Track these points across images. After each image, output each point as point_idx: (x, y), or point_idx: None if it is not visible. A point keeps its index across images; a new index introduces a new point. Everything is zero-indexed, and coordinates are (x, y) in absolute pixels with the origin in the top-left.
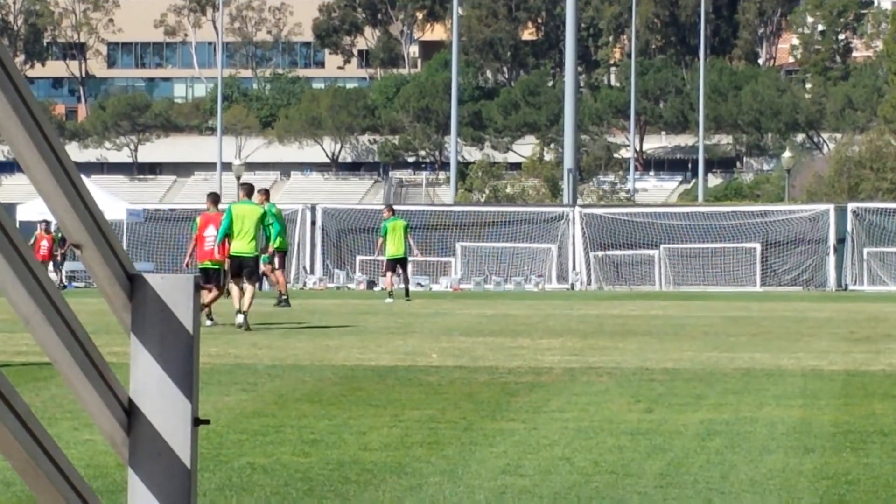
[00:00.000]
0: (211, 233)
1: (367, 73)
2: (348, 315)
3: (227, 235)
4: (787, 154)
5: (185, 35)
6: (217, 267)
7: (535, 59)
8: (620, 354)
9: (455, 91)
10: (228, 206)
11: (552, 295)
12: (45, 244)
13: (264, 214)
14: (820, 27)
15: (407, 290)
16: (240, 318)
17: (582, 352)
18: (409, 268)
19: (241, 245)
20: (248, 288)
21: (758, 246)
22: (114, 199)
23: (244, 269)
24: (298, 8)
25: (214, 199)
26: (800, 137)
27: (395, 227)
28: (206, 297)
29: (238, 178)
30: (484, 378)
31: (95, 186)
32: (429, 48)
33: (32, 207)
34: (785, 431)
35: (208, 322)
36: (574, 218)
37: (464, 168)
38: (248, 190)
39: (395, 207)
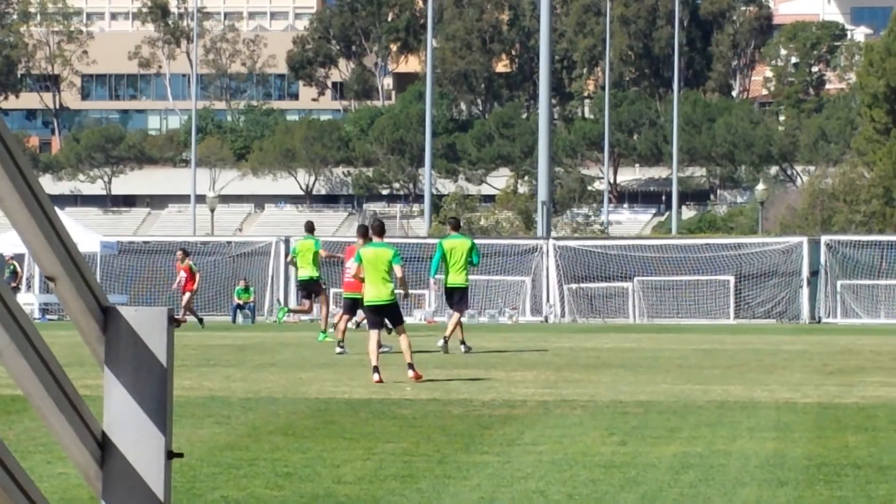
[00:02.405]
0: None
1: (342, 105)
2: (322, 348)
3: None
4: (760, 186)
5: (160, 67)
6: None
7: (510, 91)
8: (594, 387)
9: (429, 123)
10: (358, 251)
11: (526, 327)
12: None
13: (472, 246)
14: (793, 59)
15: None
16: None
17: (556, 384)
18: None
19: (376, 291)
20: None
21: (731, 278)
22: (88, 232)
23: (383, 315)
24: (273, 40)
25: (363, 231)
26: (773, 170)
27: (455, 246)
28: (340, 325)
29: (212, 210)
30: (458, 411)
31: (69, 219)
32: (403, 80)
33: (6, 239)
34: (759, 464)
35: (338, 349)
36: (548, 250)
37: (438, 200)
38: (372, 230)
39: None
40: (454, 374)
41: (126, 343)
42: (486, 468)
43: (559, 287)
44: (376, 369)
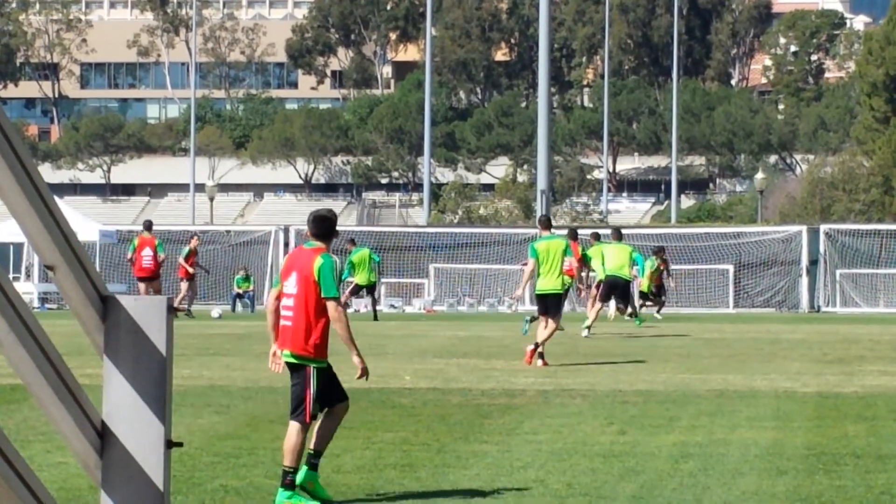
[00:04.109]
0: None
1: (341, 93)
2: None
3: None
4: (759, 175)
5: (159, 56)
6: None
7: (509, 79)
8: (594, 376)
9: (428, 112)
10: (531, 242)
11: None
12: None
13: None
14: (792, 48)
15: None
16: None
17: (555, 374)
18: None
19: (549, 281)
20: (551, 324)
21: (731, 267)
22: (87, 221)
23: (549, 305)
24: (272, 29)
25: (546, 223)
26: (772, 159)
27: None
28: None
29: (211, 199)
30: (457, 400)
31: (68, 207)
32: (402, 69)
33: (4, 228)
34: (758, 453)
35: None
36: None
37: (437, 189)
38: (541, 225)
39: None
40: (453, 364)
41: (125, 332)
42: (485, 457)
43: None
44: (541, 354)
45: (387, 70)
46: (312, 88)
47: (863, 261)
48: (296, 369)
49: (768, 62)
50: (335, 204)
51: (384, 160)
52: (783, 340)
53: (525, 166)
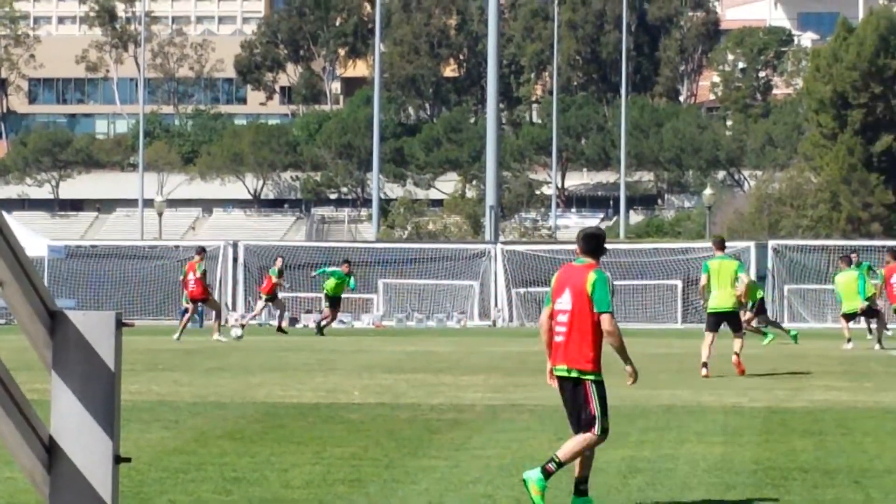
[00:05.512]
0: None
1: (290, 109)
2: (270, 352)
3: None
4: (707, 191)
5: (107, 71)
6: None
7: (457, 95)
8: (542, 391)
9: (377, 127)
10: (704, 262)
11: (474, 332)
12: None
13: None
14: (740, 65)
15: None
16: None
17: (504, 389)
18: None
19: (721, 299)
20: (737, 340)
21: (679, 283)
22: (35, 236)
23: (726, 323)
24: (220, 44)
25: (720, 244)
26: (721, 174)
27: (723, 266)
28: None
29: (160, 214)
30: (406, 415)
31: (16, 223)
32: (351, 84)
33: None
34: (706, 468)
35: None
36: (496, 255)
37: (386, 205)
38: (715, 246)
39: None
40: (402, 379)
41: (74, 347)
42: (434, 472)
43: (507, 291)
44: (705, 365)
45: (336, 86)
46: (261, 104)
47: (810, 276)
48: (574, 384)
49: (716, 79)
50: (283, 219)
51: (333, 176)
52: (731, 356)
53: (474, 182)
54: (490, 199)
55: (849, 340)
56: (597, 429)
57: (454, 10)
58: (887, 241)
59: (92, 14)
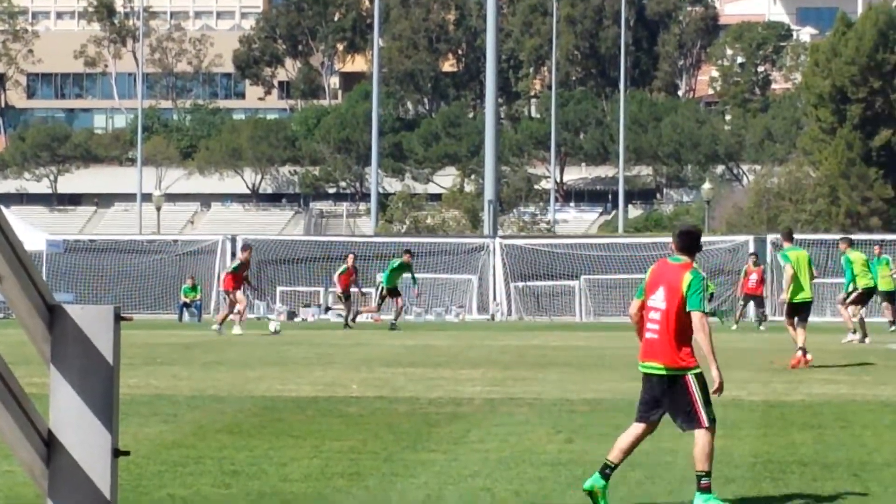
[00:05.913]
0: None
1: (288, 104)
2: (269, 346)
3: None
4: (706, 186)
5: (106, 66)
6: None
7: (456, 90)
8: (541, 385)
9: (376, 122)
10: (783, 251)
11: (473, 326)
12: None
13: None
14: (739, 59)
15: None
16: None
17: (503, 382)
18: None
19: (803, 290)
20: (801, 331)
21: None
22: (33, 230)
23: (801, 312)
24: (219, 39)
25: (789, 235)
26: (719, 169)
27: (800, 257)
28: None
29: (158, 208)
30: (404, 409)
31: (15, 217)
32: (350, 79)
33: None
34: None
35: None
36: (494, 249)
37: (384, 199)
38: (783, 237)
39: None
40: (401, 373)
41: (72, 341)
42: (432, 466)
43: (506, 285)
44: (804, 350)
45: (334, 81)
46: (260, 99)
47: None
48: (670, 381)
49: (715, 73)
50: (282, 214)
51: (331, 170)
52: (730, 349)
53: (472, 176)
54: (489, 193)
55: (855, 332)
56: (705, 421)
57: (453, 4)
58: (886, 236)
59: (90, 9)
